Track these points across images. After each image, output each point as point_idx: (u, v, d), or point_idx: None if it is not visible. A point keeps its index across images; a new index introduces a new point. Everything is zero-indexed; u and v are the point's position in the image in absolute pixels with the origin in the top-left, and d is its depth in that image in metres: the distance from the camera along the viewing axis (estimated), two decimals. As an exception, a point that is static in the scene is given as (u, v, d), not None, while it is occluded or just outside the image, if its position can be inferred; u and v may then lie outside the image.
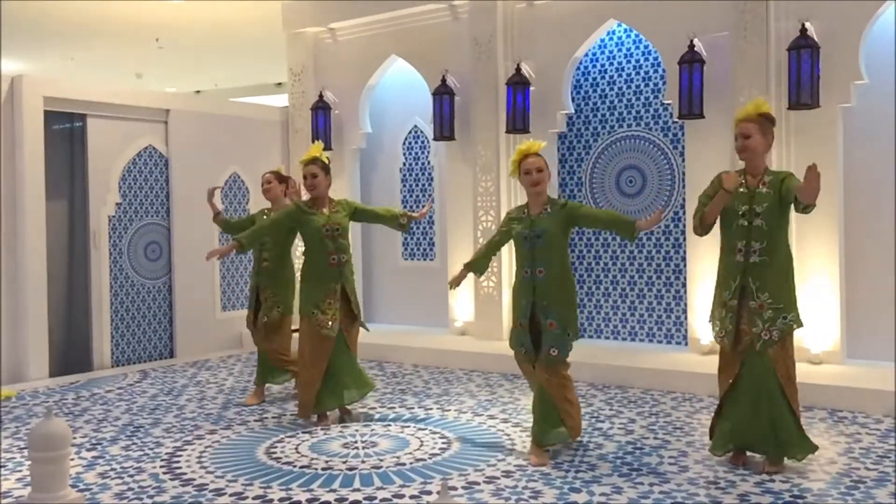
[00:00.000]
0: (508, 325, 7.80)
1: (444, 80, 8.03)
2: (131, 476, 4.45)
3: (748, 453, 4.45)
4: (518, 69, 7.58)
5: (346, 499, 4.04)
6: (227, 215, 8.78)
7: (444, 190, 8.49)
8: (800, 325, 4.33)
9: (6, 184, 7.12)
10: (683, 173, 7.19)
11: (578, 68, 7.78)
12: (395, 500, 4.00)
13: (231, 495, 4.12)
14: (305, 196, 5.69)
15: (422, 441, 5.02)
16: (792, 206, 4.28)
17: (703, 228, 4.49)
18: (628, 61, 7.60)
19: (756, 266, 4.29)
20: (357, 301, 5.58)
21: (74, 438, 5.11)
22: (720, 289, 4.45)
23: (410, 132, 8.99)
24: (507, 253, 7.84)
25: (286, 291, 6.17)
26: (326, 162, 5.61)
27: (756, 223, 4.29)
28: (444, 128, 8.04)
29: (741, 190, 4.37)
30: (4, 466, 4.65)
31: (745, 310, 4.32)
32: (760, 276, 4.28)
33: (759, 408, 4.29)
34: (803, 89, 6.15)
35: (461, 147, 8.14)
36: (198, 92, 14.72)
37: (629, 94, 7.60)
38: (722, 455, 4.47)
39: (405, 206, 8.99)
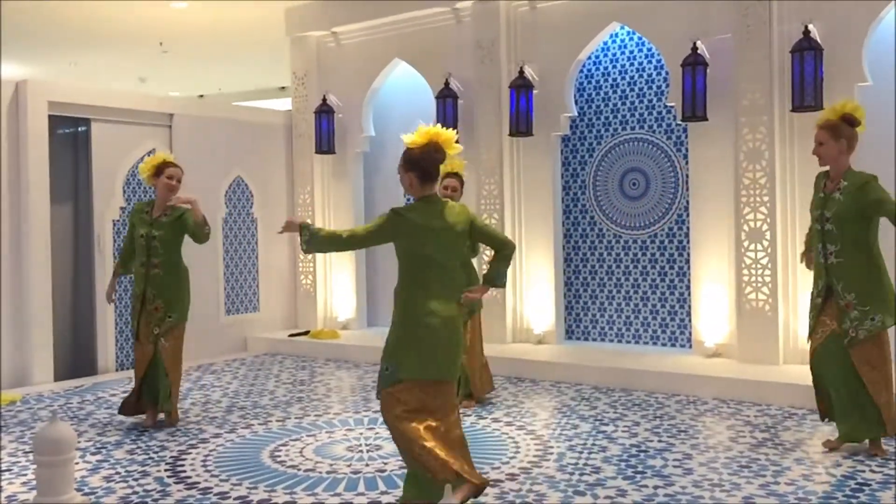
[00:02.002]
0: (511, 328, 7.85)
1: (447, 84, 8.03)
2: (136, 480, 4.45)
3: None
4: (521, 72, 7.58)
5: (351, 502, 4.04)
6: (230, 219, 8.82)
7: (448, 193, 8.49)
8: (891, 324, 4.47)
9: (11, 188, 7.14)
10: (687, 176, 7.19)
11: (581, 71, 7.78)
12: (399, 504, 4.00)
13: (235, 499, 4.12)
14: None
15: (426, 444, 5.02)
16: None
17: None
18: (631, 64, 7.60)
19: (836, 267, 4.53)
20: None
21: (79, 442, 5.11)
22: (813, 286, 4.70)
23: (414, 135, 8.98)
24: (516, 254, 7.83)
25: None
26: None
27: (827, 227, 4.54)
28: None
29: (820, 194, 4.63)
30: (9, 471, 4.66)
31: (831, 307, 4.58)
32: (843, 277, 4.51)
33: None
34: (806, 91, 6.15)
35: (464, 150, 8.02)
36: (201, 96, 14.73)
37: (632, 96, 7.60)
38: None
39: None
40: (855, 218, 4.45)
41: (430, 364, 3.68)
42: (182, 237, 5.62)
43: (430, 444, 3.61)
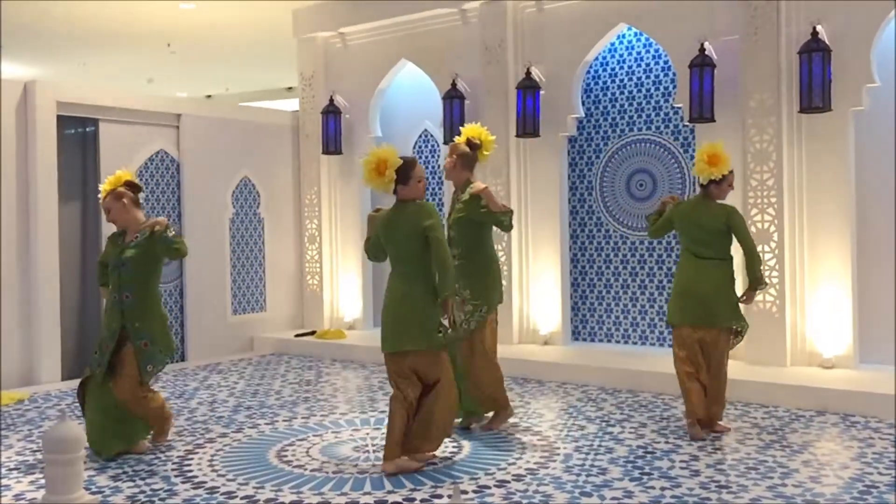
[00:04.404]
0: (518, 329, 7.85)
1: (454, 84, 8.04)
2: (143, 479, 4.47)
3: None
4: (528, 73, 7.58)
5: (357, 502, 4.05)
6: (237, 219, 8.83)
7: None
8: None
9: (19, 188, 7.17)
10: (694, 177, 7.18)
11: (589, 72, 7.78)
12: (406, 504, 4.01)
13: (242, 498, 4.13)
14: None
15: (432, 445, 5.01)
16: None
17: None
18: (638, 65, 7.59)
19: (458, 267, 5.07)
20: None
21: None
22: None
23: (420, 136, 9.01)
24: (517, 252, 7.84)
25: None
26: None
27: (451, 233, 5.20)
28: (454, 132, 8.00)
29: (457, 204, 5.30)
30: (18, 469, 4.68)
31: None
32: (463, 276, 5.08)
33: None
34: (815, 93, 6.14)
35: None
36: (209, 97, 14.77)
37: (639, 97, 7.59)
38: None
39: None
40: (470, 223, 5.15)
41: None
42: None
43: None
